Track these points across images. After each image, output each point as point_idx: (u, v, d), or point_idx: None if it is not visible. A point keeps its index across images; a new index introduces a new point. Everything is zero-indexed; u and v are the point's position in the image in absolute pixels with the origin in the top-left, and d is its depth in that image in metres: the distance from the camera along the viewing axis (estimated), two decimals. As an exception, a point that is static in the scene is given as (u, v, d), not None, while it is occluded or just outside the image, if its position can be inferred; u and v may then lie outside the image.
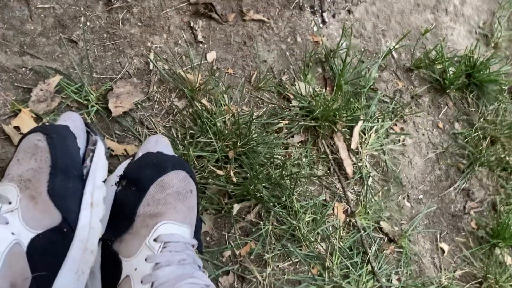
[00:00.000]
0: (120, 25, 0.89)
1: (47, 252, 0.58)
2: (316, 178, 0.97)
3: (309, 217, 0.91)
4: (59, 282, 0.58)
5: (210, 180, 0.84)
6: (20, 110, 0.76)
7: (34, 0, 0.84)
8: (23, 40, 0.81)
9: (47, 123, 0.76)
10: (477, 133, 1.31)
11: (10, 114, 0.76)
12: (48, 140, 0.62)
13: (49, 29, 0.83)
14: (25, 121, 0.76)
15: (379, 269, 0.96)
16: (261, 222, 0.87)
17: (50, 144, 0.62)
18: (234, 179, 0.84)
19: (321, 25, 1.14)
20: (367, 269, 0.94)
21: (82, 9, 0.87)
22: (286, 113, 0.98)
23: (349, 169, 1.02)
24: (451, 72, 1.30)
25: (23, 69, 0.80)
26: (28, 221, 0.57)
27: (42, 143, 0.62)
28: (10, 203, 0.57)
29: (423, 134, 1.22)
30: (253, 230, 0.86)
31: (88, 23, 0.87)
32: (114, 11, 0.89)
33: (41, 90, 0.79)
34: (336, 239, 0.94)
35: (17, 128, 0.75)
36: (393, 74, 1.24)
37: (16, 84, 0.78)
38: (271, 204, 0.87)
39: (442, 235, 1.14)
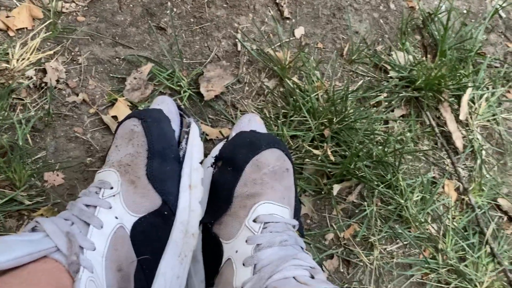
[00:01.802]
0: (206, 8, 0.88)
1: (150, 236, 0.57)
2: (422, 154, 0.89)
3: (417, 196, 0.84)
4: (163, 265, 0.57)
5: (306, 160, 0.80)
6: (116, 100, 0.78)
7: (123, -8, 0.85)
8: (114, 31, 0.83)
9: (141, 109, 0.77)
10: None
11: (107, 104, 0.78)
12: (144, 125, 0.62)
13: (138, 18, 0.84)
14: (122, 110, 0.77)
15: (500, 250, 0.86)
16: (364, 203, 0.81)
17: (145, 128, 0.62)
18: (332, 158, 0.80)
19: (416, -11, 1.05)
20: (485, 250, 0.85)
21: (168, -5, 0.87)
22: (384, 85, 0.91)
23: (459, 143, 0.92)
24: None
25: (117, 59, 0.81)
26: (130, 205, 0.57)
27: (138, 128, 0.62)
28: (111, 188, 0.57)
29: (542, 101, 1.08)
30: (356, 211, 0.81)
31: (174, 9, 0.86)
32: (199, -5, 0.88)
33: (135, 78, 0.80)
34: (449, 219, 0.85)
35: (114, 117, 0.77)
36: (502, 36, 1.11)
37: (111, 75, 0.80)
38: (374, 183, 0.81)
39: None
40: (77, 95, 0.77)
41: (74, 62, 0.79)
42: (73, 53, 0.79)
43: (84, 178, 0.73)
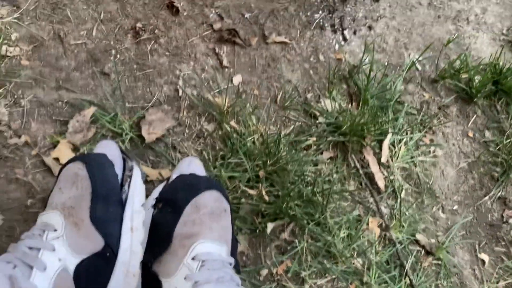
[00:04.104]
0: (149, 56, 0.93)
1: (92, 277, 0.60)
2: (348, 193, 0.97)
3: (344, 233, 0.91)
4: (104, 304, 0.59)
5: (242, 200, 0.85)
6: (58, 142, 0.80)
7: (68, 37, 0.88)
8: (58, 75, 0.85)
9: (85, 153, 0.80)
10: (509, 140, 1.29)
11: (49, 146, 0.80)
12: (88, 168, 0.65)
13: (82, 63, 0.88)
14: (64, 152, 0.79)
15: (418, 282, 0.95)
16: (296, 240, 0.87)
17: (89, 172, 0.65)
18: (266, 198, 0.86)
19: (342, 43, 1.16)
20: (405, 282, 0.93)
21: (112, 42, 0.91)
22: (313, 130, 0.99)
23: (381, 183, 1.01)
24: (477, 81, 1.29)
25: (60, 103, 0.84)
26: (73, 247, 0.59)
27: (82, 172, 0.65)
28: (55, 230, 0.59)
29: (453, 144, 1.21)
30: (288, 248, 0.87)
31: (118, 56, 0.90)
32: (142, 43, 0.93)
33: (77, 121, 0.82)
34: (373, 254, 0.93)
35: (56, 159, 0.79)
36: (419, 86, 1.24)
37: (53, 118, 0.82)
38: (305, 221, 0.88)
39: (481, 245, 1.12)
40: (19, 137, 0.78)
41: (17, 105, 0.81)
42: (16, 96, 0.81)
43: (24, 220, 0.74)
